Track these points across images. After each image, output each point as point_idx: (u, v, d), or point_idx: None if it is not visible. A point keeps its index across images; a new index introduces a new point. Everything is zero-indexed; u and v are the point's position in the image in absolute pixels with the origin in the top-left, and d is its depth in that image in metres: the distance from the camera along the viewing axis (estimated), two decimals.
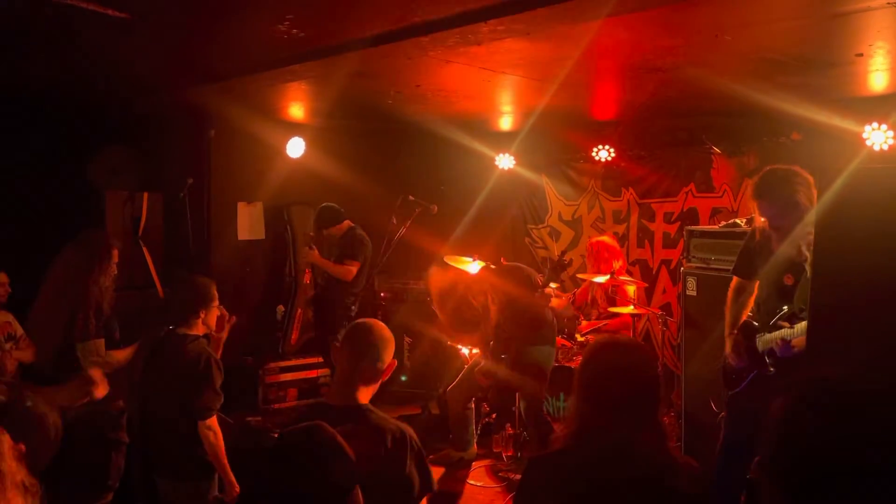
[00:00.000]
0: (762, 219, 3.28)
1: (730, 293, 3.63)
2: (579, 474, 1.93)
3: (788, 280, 3.26)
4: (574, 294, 6.18)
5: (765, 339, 3.29)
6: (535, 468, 2.09)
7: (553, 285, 4.83)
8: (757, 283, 3.51)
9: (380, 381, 2.48)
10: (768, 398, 3.30)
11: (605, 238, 6.03)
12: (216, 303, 3.40)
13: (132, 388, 3.32)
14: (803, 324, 3.07)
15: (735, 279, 3.63)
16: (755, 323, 3.38)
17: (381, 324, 2.55)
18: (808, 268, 3.15)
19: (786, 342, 3.13)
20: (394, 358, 2.48)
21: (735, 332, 3.46)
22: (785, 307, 3.25)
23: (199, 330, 3.32)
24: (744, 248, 3.59)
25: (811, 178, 3.18)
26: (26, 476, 1.45)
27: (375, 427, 2.32)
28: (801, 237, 3.15)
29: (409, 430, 2.35)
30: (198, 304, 3.32)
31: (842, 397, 1.29)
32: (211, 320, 3.38)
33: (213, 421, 3.18)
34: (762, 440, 1.33)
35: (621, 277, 5.65)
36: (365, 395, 2.42)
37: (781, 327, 3.20)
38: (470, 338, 4.63)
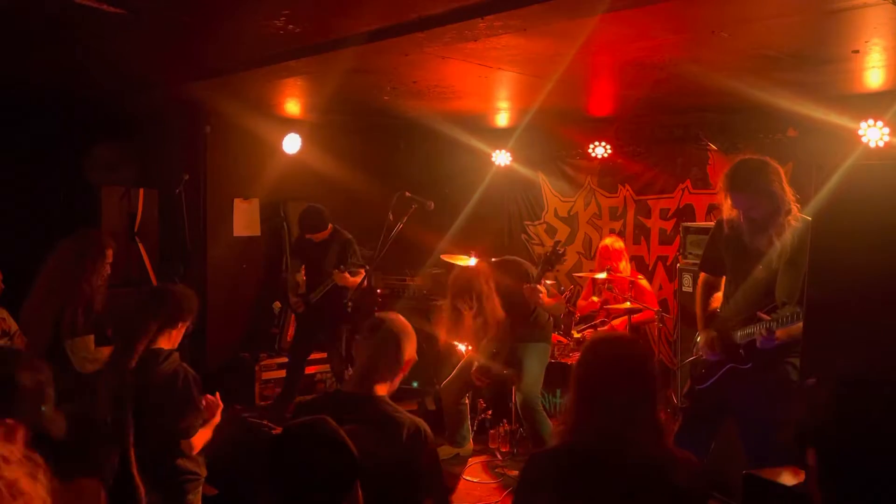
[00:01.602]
0: (733, 211, 3.22)
1: (699, 289, 3.60)
2: (577, 469, 1.94)
3: (762, 273, 3.22)
4: (570, 291, 6.18)
5: (744, 333, 3.25)
6: (534, 464, 2.10)
7: (548, 282, 4.81)
8: (724, 278, 3.48)
9: (399, 376, 2.53)
10: (738, 393, 3.30)
11: (608, 241, 6.00)
12: (187, 324, 3.20)
13: (115, 399, 3.18)
14: (784, 315, 3.05)
15: (703, 275, 3.60)
16: (729, 320, 3.36)
17: (403, 318, 2.60)
18: (775, 258, 3.12)
19: (770, 332, 3.11)
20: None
21: (708, 326, 3.44)
22: (765, 300, 3.21)
23: (170, 343, 3.12)
24: (710, 242, 3.54)
25: (781, 168, 3.19)
26: (23, 450, 1.40)
27: (389, 418, 2.34)
28: (773, 226, 3.14)
29: (425, 426, 2.37)
30: (185, 315, 3.15)
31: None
32: (177, 336, 3.18)
33: (195, 437, 3.06)
34: (813, 449, 1.40)
35: (619, 274, 5.67)
36: (382, 387, 2.47)
37: (760, 319, 3.17)
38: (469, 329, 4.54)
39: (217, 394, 3.24)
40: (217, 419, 3.18)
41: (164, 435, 3.04)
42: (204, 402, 3.13)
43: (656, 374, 2.05)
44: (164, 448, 3.05)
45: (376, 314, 2.65)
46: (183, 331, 3.19)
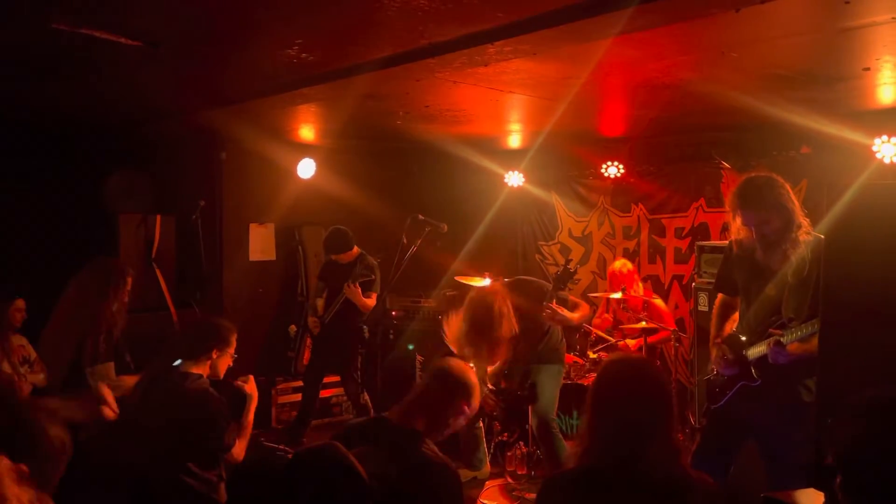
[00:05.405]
0: (744, 229, 3.20)
1: (716, 308, 3.59)
2: (592, 492, 1.93)
3: (772, 290, 3.19)
4: (594, 311, 6.14)
5: (755, 350, 3.22)
6: (549, 488, 2.09)
7: (565, 295, 4.76)
8: (739, 298, 3.46)
9: (447, 421, 2.55)
10: (750, 410, 3.27)
11: (618, 265, 5.97)
12: (231, 350, 3.37)
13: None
14: (797, 331, 3.02)
15: (720, 295, 3.59)
16: (742, 337, 3.34)
17: (472, 370, 2.69)
18: (789, 274, 3.10)
19: (780, 345, 3.07)
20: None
21: (719, 341, 3.42)
22: (773, 318, 3.18)
23: (203, 370, 3.27)
24: (723, 262, 3.53)
25: (787, 184, 3.17)
26: (35, 497, 1.41)
27: (421, 457, 2.31)
28: (786, 241, 3.11)
29: (455, 472, 2.35)
30: (212, 343, 3.29)
31: None
32: (221, 365, 3.34)
33: (235, 448, 3.23)
34: (841, 465, 1.40)
35: (633, 294, 5.65)
36: (424, 423, 2.48)
37: (772, 335, 3.13)
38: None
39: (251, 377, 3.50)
40: (249, 431, 3.41)
41: (203, 452, 3.17)
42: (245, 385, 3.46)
43: (672, 395, 2.04)
44: (208, 461, 3.18)
45: (451, 359, 2.76)
46: (218, 360, 3.34)
